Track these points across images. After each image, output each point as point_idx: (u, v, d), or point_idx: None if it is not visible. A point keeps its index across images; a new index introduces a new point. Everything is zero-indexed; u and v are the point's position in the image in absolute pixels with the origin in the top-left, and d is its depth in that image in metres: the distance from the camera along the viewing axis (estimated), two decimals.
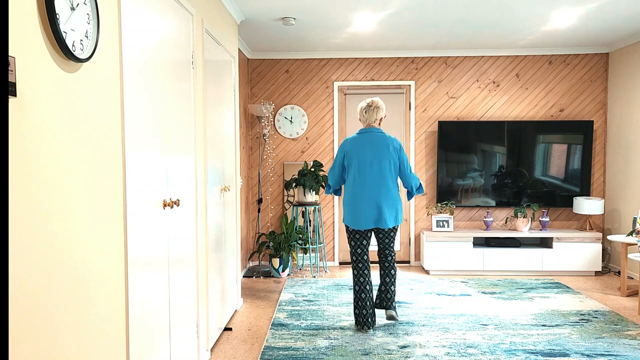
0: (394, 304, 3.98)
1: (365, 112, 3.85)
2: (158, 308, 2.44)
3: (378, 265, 3.98)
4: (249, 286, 5.19)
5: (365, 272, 3.84)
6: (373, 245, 6.23)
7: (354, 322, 3.99)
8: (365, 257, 3.86)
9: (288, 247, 5.47)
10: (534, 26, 4.89)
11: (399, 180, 3.90)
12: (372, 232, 3.89)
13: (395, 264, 3.99)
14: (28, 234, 1.45)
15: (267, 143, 6.14)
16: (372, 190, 3.74)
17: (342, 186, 4.04)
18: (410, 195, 3.95)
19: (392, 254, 3.93)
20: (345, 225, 3.90)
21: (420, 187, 3.92)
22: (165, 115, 2.54)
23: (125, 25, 2.07)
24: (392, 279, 3.95)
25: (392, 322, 4.03)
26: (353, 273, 3.88)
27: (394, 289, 3.97)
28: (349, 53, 5.98)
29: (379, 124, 3.89)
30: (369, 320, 3.80)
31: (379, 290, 4.01)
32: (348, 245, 3.88)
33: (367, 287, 3.82)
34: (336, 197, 6.11)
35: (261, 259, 6.14)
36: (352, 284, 3.86)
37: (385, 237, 3.88)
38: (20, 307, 1.42)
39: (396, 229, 3.89)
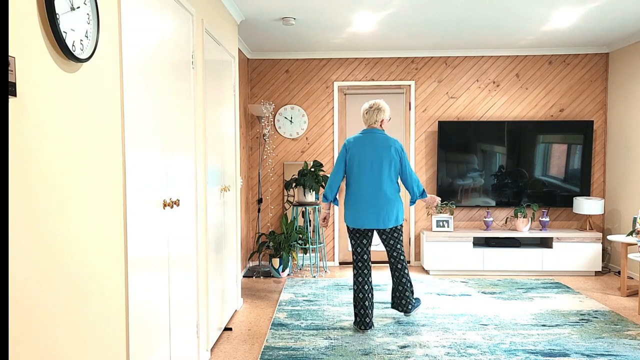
0: (409, 307, 3.98)
1: (367, 113, 3.90)
2: (158, 308, 2.44)
3: (389, 268, 3.98)
4: (249, 286, 5.19)
5: (365, 271, 3.85)
6: (374, 245, 6.23)
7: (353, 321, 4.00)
8: (365, 256, 3.86)
9: (288, 247, 5.47)
10: (534, 26, 4.89)
11: (399, 182, 3.91)
12: (373, 232, 3.89)
13: (407, 268, 3.99)
14: (28, 234, 1.45)
15: (267, 143, 6.14)
16: (372, 191, 3.75)
17: (337, 196, 4.06)
18: (412, 201, 3.97)
19: (402, 255, 3.91)
20: (347, 225, 3.91)
21: (423, 192, 3.94)
22: (165, 115, 2.54)
23: (125, 25, 2.07)
24: (408, 283, 3.93)
25: (392, 321, 4.02)
26: (354, 273, 3.89)
27: (410, 293, 3.96)
28: (349, 53, 5.98)
29: (381, 126, 3.90)
30: (366, 320, 3.80)
31: (394, 293, 4.01)
32: (350, 246, 3.89)
33: (366, 286, 3.82)
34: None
35: (261, 259, 6.14)
36: (352, 285, 3.89)
37: (390, 238, 3.88)
38: (20, 307, 1.42)
39: (399, 230, 3.88)
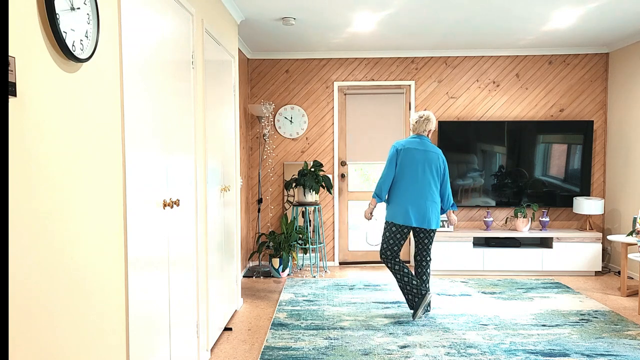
0: (428, 307, 4.20)
1: (417, 122, 4.15)
2: (158, 308, 2.44)
3: (415, 264, 4.27)
4: (249, 286, 5.19)
5: (397, 259, 4.07)
6: (376, 245, 6.23)
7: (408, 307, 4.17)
8: (396, 247, 4.08)
9: (288, 247, 5.47)
10: (534, 26, 4.89)
11: None
12: (410, 232, 4.12)
13: (430, 269, 4.30)
14: (28, 234, 1.45)
15: (267, 143, 6.14)
16: (421, 192, 4.01)
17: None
18: (444, 210, 4.20)
19: (429, 256, 4.22)
20: (389, 223, 4.09)
21: (454, 204, 4.23)
22: (165, 115, 2.54)
23: (125, 25, 2.07)
24: (428, 280, 4.21)
25: (392, 321, 4.03)
26: (395, 268, 4.04)
27: (426, 283, 4.21)
28: (349, 53, 5.98)
29: (429, 135, 4.17)
30: (422, 291, 4.00)
31: (416, 280, 4.18)
32: (384, 244, 4.10)
33: (405, 269, 4.04)
34: (336, 198, 6.12)
35: (261, 259, 6.14)
36: (395, 277, 4.07)
37: (425, 238, 4.15)
38: (21, 307, 1.42)
39: (435, 232, 4.20)
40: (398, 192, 4.06)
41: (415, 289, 4.01)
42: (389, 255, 4.08)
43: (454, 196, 5.91)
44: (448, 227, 5.76)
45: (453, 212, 4.33)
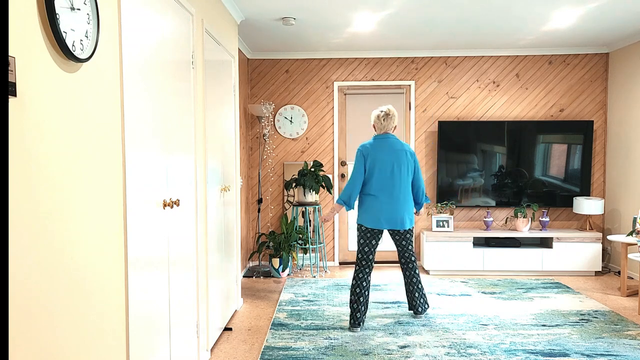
0: (426, 305, 4.13)
1: (384, 120, 3.97)
2: (158, 308, 2.44)
3: (401, 268, 4.15)
4: (249, 286, 5.19)
5: (367, 270, 3.92)
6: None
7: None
8: (371, 256, 3.95)
9: (288, 247, 5.47)
10: (534, 26, 4.89)
11: None
12: (382, 234, 3.99)
13: (417, 266, 4.13)
14: (28, 234, 1.45)
15: (267, 143, 6.13)
16: (392, 193, 3.88)
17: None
18: (420, 205, 4.12)
19: (414, 257, 4.07)
20: (360, 225, 3.97)
21: (426, 197, 4.14)
22: (165, 115, 2.54)
23: (125, 25, 2.07)
24: (419, 283, 4.08)
25: (392, 321, 4.03)
26: (355, 269, 3.95)
27: (422, 290, 4.10)
28: (349, 53, 5.98)
29: (393, 131, 4.03)
30: (357, 315, 3.86)
31: (408, 294, 4.12)
32: (357, 245, 3.99)
33: (364, 283, 3.90)
34: (336, 198, 6.11)
35: (261, 259, 6.14)
36: (351, 280, 3.99)
37: (402, 239, 4.02)
38: (21, 307, 1.42)
39: (412, 231, 4.04)
40: (367, 196, 3.91)
41: (356, 305, 3.86)
42: (359, 257, 3.93)
43: (453, 196, 5.92)
44: (447, 227, 5.76)
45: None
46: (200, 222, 3.20)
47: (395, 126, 4.00)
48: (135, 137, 2.17)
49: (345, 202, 3.93)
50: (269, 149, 6.13)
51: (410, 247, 4.05)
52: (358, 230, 4.00)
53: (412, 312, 4.20)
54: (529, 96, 5.99)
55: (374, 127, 4.03)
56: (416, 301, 4.09)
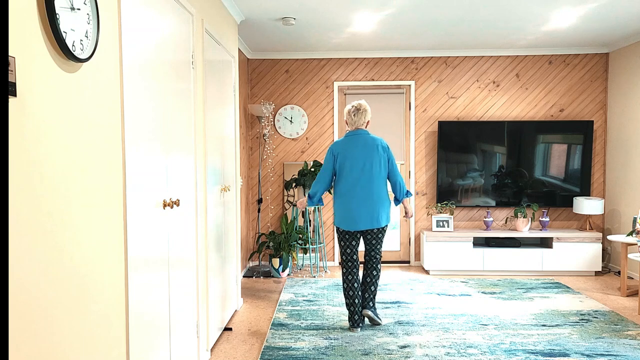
0: (371, 303, 3.92)
1: (354, 115, 3.85)
2: (158, 308, 2.44)
3: (364, 265, 3.98)
4: (249, 286, 5.19)
5: (354, 270, 3.88)
6: None
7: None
8: (354, 256, 3.91)
9: (288, 247, 5.47)
10: (534, 26, 4.89)
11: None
12: (361, 233, 3.90)
13: (380, 265, 3.98)
14: (28, 234, 1.45)
15: (267, 143, 6.13)
16: (365, 192, 3.77)
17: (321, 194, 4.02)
18: (399, 200, 3.96)
19: (379, 255, 3.95)
20: (337, 227, 3.92)
21: (408, 191, 3.94)
22: (165, 115, 2.54)
23: (125, 25, 2.07)
24: (374, 279, 3.92)
25: (392, 321, 4.02)
26: (342, 272, 3.92)
27: (374, 289, 3.93)
28: (349, 53, 5.98)
29: (366, 127, 3.91)
30: (355, 317, 3.83)
31: (362, 286, 3.99)
32: (339, 247, 3.95)
33: (355, 284, 3.86)
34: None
35: (261, 259, 6.14)
36: (342, 283, 3.89)
37: (373, 238, 3.89)
38: (21, 307, 1.42)
39: (385, 230, 3.91)
40: (340, 197, 3.82)
41: (352, 307, 3.81)
42: (343, 259, 3.90)
43: (453, 196, 5.91)
44: (447, 227, 5.76)
45: (409, 200, 3.95)
46: (200, 222, 3.20)
47: (368, 121, 3.87)
48: (135, 137, 2.17)
49: (310, 196, 3.90)
50: (269, 149, 6.13)
51: (378, 247, 3.91)
52: (337, 232, 3.94)
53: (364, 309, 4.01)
54: (529, 96, 5.99)
55: (346, 123, 3.92)
56: (364, 301, 3.90)
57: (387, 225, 3.89)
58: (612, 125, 5.84)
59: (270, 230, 6.11)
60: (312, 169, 5.51)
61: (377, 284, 3.95)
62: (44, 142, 1.53)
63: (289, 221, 5.76)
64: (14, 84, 1.38)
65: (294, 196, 5.98)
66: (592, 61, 5.94)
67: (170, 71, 2.63)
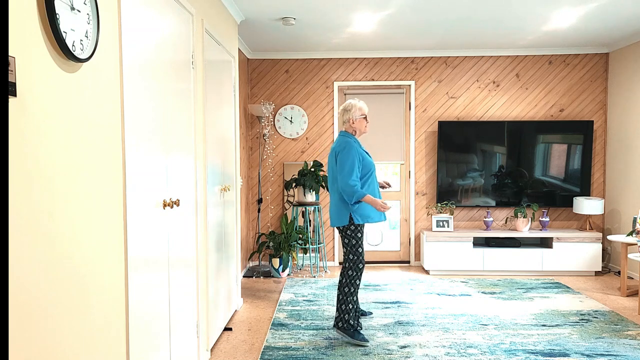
0: (338, 323, 3.68)
1: (341, 116, 3.76)
2: (158, 308, 2.44)
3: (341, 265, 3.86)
4: (249, 286, 5.19)
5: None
6: (374, 245, 6.22)
7: (353, 325, 3.67)
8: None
9: (288, 247, 5.47)
10: (534, 26, 4.89)
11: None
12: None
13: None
14: (28, 234, 1.45)
15: (267, 143, 6.13)
16: (331, 191, 3.72)
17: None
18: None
19: (345, 261, 3.70)
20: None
21: (352, 203, 3.63)
22: (165, 116, 2.54)
23: (125, 25, 2.07)
24: (337, 290, 3.72)
25: (392, 321, 4.03)
26: (353, 275, 3.63)
27: (339, 305, 3.69)
28: (349, 53, 5.98)
29: (352, 124, 3.71)
30: (359, 321, 3.69)
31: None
32: (356, 246, 3.62)
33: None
34: None
35: (261, 259, 6.14)
36: (353, 284, 3.61)
37: (341, 238, 3.75)
38: (21, 307, 1.42)
39: (344, 232, 3.67)
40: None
41: (358, 312, 3.70)
42: (360, 260, 3.66)
43: (453, 196, 5.91)
44: (447, 227, 5.76)
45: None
46: (200, 222, 3.20)
47: (347, 120, 3.68)
48: (135, 136, 2.17)
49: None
50: (269, 149, 6.13)
51: (345, 250, 3.66)
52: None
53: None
54: (529, 96, 5.99)
55: (349, 121, 3.73)
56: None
57: (343, 227, 3.62)
58: (612, 125, 5.84)
59: (270, 230, 6.11)
60: (312, 169, 5.51)
61: (341, 298, 3.68)
62: (44, 142, 1.53)
63: (289, 221, 5.76)
64: (14, 84, 1.38)
65: (294, 196, 5.98)
66: (592, 61, 5.94)
67: (170, 71, 2.63)
